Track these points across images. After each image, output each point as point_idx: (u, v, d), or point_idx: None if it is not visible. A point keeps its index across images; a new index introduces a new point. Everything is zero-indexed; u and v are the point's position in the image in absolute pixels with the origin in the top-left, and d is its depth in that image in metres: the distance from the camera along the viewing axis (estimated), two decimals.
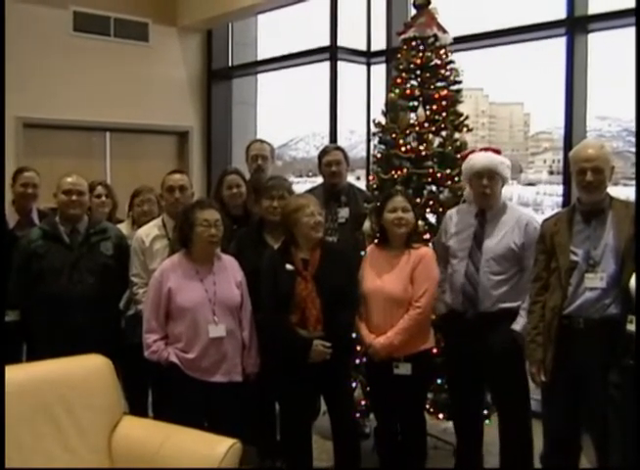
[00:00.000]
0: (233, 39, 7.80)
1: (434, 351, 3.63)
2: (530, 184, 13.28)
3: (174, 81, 7.44)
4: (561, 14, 4.90)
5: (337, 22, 6.18)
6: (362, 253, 3.79)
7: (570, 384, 3.10)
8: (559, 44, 4.90)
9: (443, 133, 4.15)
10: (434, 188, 4.13)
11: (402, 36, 4.29)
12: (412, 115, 4.20)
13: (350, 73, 6.32)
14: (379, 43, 6.17)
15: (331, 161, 4.37)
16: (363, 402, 4.10)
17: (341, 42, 6.17)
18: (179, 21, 7.36)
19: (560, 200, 5.00)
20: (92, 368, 3.03)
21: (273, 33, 7.96)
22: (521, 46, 5.51)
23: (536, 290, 3.26)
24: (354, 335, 3.61)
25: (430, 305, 3.47)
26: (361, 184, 4.94)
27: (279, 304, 3.39)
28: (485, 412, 3.83)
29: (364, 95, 6.24)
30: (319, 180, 4.60)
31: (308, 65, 6.86)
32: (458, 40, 4.55)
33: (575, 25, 4.83)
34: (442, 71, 4.18)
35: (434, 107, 4.14)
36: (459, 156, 4.01)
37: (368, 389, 3.94)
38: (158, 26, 7.26)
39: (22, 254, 3.69)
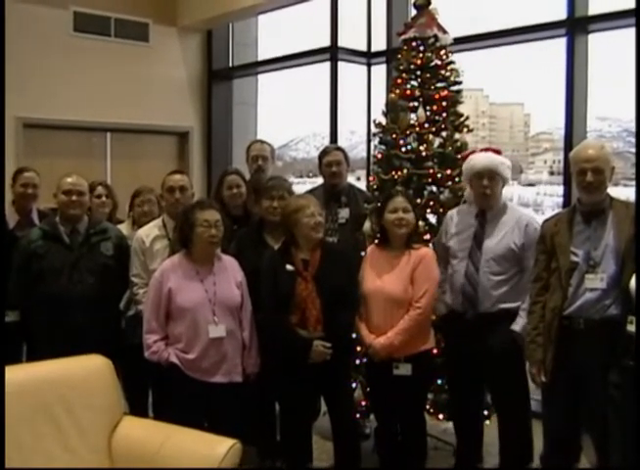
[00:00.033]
0: (233, 39, 7.80)
1: (435, 351, 3.63)
2: (530, 185, 13.27)
3: (174, 81, 7.44)
4: (561, 14, 4.90)
5: (337, 22, 6.18)
6: (362, 253, 3.79)
7: (570, 384, 3.10)
8: (559, 45, 4.91)
9: (444, 134, 4.15)
10: (434, 189, 4.13)
11: (402, 37, 4.29)
12: (412, 115, 4.20)
13: (351, 74, 6.32)
14: (379, 44, 6.17)
15: (331, 161, 4.37)
16: (363, 403, 4.10)
17: (341, 43, 6.16)
18: (179, 21, 7.36)
19: (560, 200, 5.00)
20: (92, 368, 3.03)
21: (273, 34, 7.96)
22: (521, 47, 5.51)
23: (537, 290, 3.26)
24: (354, 335, 3.61)
25: (430, 305, 3.47)
26: (361, 185, 4.94)
27: (279, 304, 3.39)
28: (485, 413, 3.83)
29: (364, 95, 6.24)
30: (319, 181, 4.60)
31: (309, 65, 6.86)
32: (458, 41, 4.55)
33: (576, 26, 4.83)
34: (443, 72, 4.18)
35: (435, 107, 4.15)
36: (459, 156, 4.01)
37: (368, 389, 3.94)
38: (158, 27, 7.26)
39: (23, 254, 3.69)
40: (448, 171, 4.05)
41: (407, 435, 3.59)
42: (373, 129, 4.36)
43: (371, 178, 4.35)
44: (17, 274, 3.69)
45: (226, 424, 3.13)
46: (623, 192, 4.09)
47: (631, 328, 2.79)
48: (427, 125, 4.13)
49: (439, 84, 4.17)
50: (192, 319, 3.26)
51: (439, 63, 4.19)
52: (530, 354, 3.25)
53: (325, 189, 4.43)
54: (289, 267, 3.42)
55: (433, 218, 4.14)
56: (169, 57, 7.40)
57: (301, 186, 6.64)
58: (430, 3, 4.23)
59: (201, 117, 7.66)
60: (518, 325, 3.42)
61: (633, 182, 4.43)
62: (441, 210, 4.02)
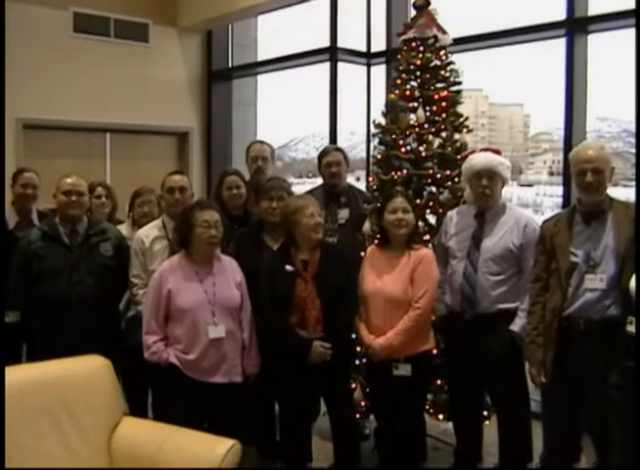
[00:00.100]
0: (233, 40, 7.80)
1: (434, 351, 3.63)
2: (529, 185, 13.29)
3: (174, 82, 7.44)
4: (561, 15, 4.90)
5: (337, 22, 6.18)
6: (362, 253, 3.79)
7: (570, 385, 3.10)
8: (559, 45, 4.91)
9: (443, 134, 4.15)
10: (434, 189, 4.13)
11: (402, 37, 4.29)
12: (412, 115, 4.20)
13: (350, 74, 6.32)
14: (379, 44, 6.17)
15: (331, 161, 4.37)
16: (363, 403, 4.09)
17: (340, 43, 6.16)
18: (179, 21, 7.36)
19: (560, 201, 5.00)
20: (92, 369, 3.03)
21: (273, 34, 7.96)
22: (521, 47, 5.51)
23: (536, 291, 3.27)
24: (354, 336, 3.61)
25: (429, 305, 3.47)
26: (361, 185, 4.94)
27: (279, 304, 3.40)
28: (485, 413, 3.83)
29: (364, 96, 6.23)
30: (319, 181, 4.60)
31: (308, 66, 6.86)
32: (458, 41, 4.55)
33: (575, 27, 4.83)
34: (442, 72, 4.18)
35: (434, 108, 4.14)
36: (459, 157, 4.02)
37: (368, 390, 3.94)
38: (158, 27, 7.25)
39: (22, 255, 3.68)
40: (448, 172, 4.05)
41: (407, 435, 3.58)
42: (372, 130, 4.35)
43: (370, 179, 4.35)
44: (16, 275, 3.68)
45: (226, 424, 3.13)
46: (623, 192, 4.09)
47: (631, 328, 2.79)
48: (426, 126, 4.13)
49: (439, 85, 4.17)
50: (191, 320, 3.26)
51: (439, 63, 4.19)
52: (530, 355, 3.25)
53: (324, 190, 4.43)
54: (288, 268, 3.42)
55: (432, 219, 4.14)
56: (169, 57, 7.40)
57: (301, 187, 6.65)
58: (429, 3, 4.23)
59: (200, 117, 7.66)
60: (517, 325, 3.42)
61: (633, 183, 4.44)
62: (441, 210, 4.02)
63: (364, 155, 6.14)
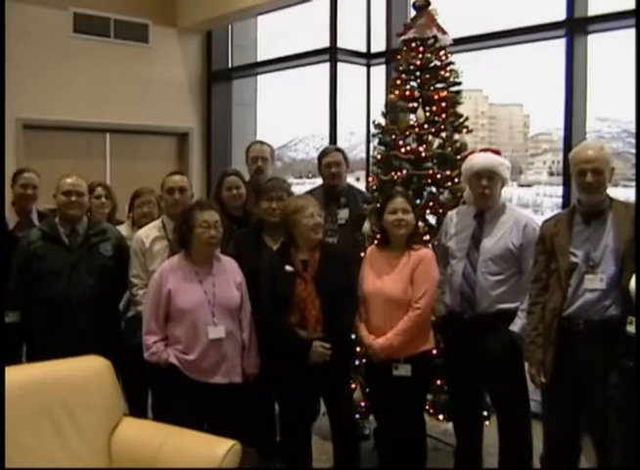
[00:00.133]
0: (233, 40, 7.81)
1: (434, 352, 3.63)
2: (529, 185, 13.29)
3: (174, 82, 7.44)
4: (560, 15, 4.90)
5: (336, 23, 6.19)
6: (362, 254, 3.79)
7: (569, 385, 3.10)
8: (558, 45, 4.91)
9: (443, 134, 4.15)
10: (433, 189, 4.13)
11: (402, 38, 4.29)
12: (412, 116, 4.19)
13: (350, 75, 6.33)
14: (378, 44, 6.17)
15: (330, 162, 4.37)
16: (363, 404, 4.09)
17: (340, 43, 6.17)
18: (179, 22, 7.36)
19: (559, 201, 5.00)
20: (92, 370, 3.03)
21: (273, 35, 7.96)
22: (520, 47, 5.52)
23: (536, 291, 3.26)
24: (354, 336, 3.61)
25: (429, 306, 3.47)
26: (361, 185, 4.94)
27: (278, 305, 3.40)
28: (485, 413, 3.83)
29: (364, 96, 6.24)
30: (319, 181, 4.60)
31: (308, 66, 6.86)
32: (458, 41, 4.55)
33: (575, 27, 4.83)
34: (442, 73, 4.17)
35: (434, 108, 4.14)
36: (459, 157, 4.02)
37: (368, 390, 3.94)
38: (158, 28, 7.26)
39: (22, 255, 3.68)
40: (448, 172, 4.05)
41: (407, 435, 3.58)
42: (372, 130, 4.35)
43: (370, 179, 4.35)
44: (16, 275, 3.68)
45: (226, 425, 3.13)
46: (623, 193, 4.09)
47: (631, 329, 2.79)
48: (426, 126, 4.13)
49: (439, 85, 4.17)
50: (191, 320, 3.26)
51: (439, 63, 4.19)
52: (530, 355, 3.25)
53: (324, 190, 4.43)
54: (288, 268, 3.42)
55: (432, 219, 4.14)
56: (169, 58, 7.41)
57: (301, 187, 6.64)
58: (429, 4, 4.23)
59: (200, 117, 7.67)
60: (516, 326, 3.42)
61: (633, 183, 4.44)
62: (441, 210, 4.02)
63: (364, 155, 6.14)
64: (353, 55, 6.27)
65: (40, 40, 6.51)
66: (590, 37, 4.90)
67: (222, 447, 2.74)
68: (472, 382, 3.60)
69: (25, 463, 2.66)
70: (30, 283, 3.65)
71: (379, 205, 3.75)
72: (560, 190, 4.99)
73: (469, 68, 4.31)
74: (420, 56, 4.19)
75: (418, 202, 3.94)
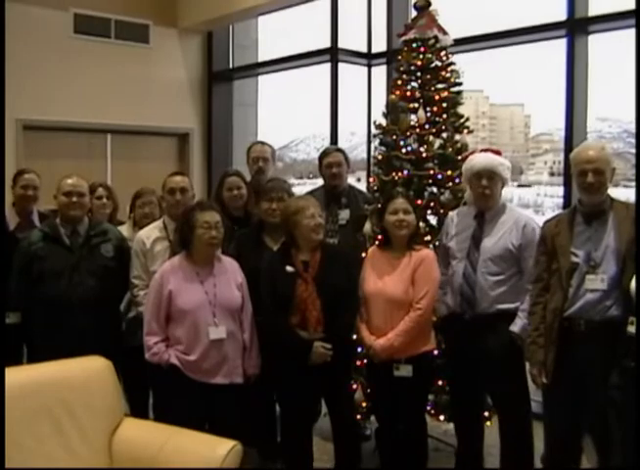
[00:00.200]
0: (234, 41, 7.81)
1: (435, 352, 3.62)
2: (530, 186, 13.28)
3: (175, 83, 7.45)
4: (561, 15, 4.90)
5: (337, 23, 6.19)
6: (363, 254, 3.79)
7: (570, 385, 3.10)
8: (559, 46, 4.91)
9: (444, 135, 4.15)
10: (434, 190, 4.12)
11: (403, 38, 4.28)
12: (412, 116, 4.19)
13: (351, 75, 6.33)
14: (379, 45, 6.17)
15: (331, 162, 4.37)
16: (364, 404, 4.09)
17: (341, 44, 6.17)
18: (180, 22, 7.36)
19: (560, 201, 5.00)
20: (93, 370, 3.03)
21: (274, 35, 7.96)
22: (521, 48, 5.52)
23: (537, 291, 3.26)
24: (355, 336, 3.61)
25: (430, 306, 3.47)
26: (362, 186, 4.94)
27: (279, 305, 3.40)
28: (486, 414, 3.83)
29: (365, 97, 6.24)
30: (320, 182, 4.60)
31: (309, 66, 6.87)
32: (459, 42, 4.55)
33: (576, 27, 4.83)
34: (443, 73, 4.17)
35: (435, 108, 4.14)
36: (460, 157, 4.02)
37: (369, 390, 3.94)
38: (158, 28, 7.26)
39: (23, 256, 3.68)
40: (449, 173, 4.04)
41: (408, 436, 3.58)
42: (373, 130, 4.35)
43: (371, 179, 4.34)
44: (17, 276, 3.68)
45: (226, 425, 3.13)
46: (623, 193, 4.09)
47: (632, 329, 2.79)
48: (427, 126, 4.13)
49: (440, 85, 4.16)
50: (192, 321, 3.26)
51: (440, 64, 4.19)
52: (531, 356, 3.25)
53: (325, 190, 4.43)
54: (289, 269, 3.42)
55: (433, 220, 4.14)
56: (170, 58, 7.41)
57: (302, 187, 6.64)
58: (430, 4, 4.22)
59: (201, 118, 7.67)
60: (516, 326, 3.42)
61: (633, 183, 4.44)
62: (442, 211, 4.02)
63: (365, 155, 6.14)
64: (354, 55, 6.28)
65: (41, 41, 6.52)
66: (591, 37, 4.90)
67: (223, 448, 2.74)
68: (472, 382, 3.60)
69: (26, 463, 2.66)
70: (31, 284, 3.65)
71: (380, 205, 3.76)
72: (561, 190, 4.99)
73: (470, 68, 4.30)
74: (421, 56, 4.19)
75: (419, 202, 3.94)
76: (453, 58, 4.23)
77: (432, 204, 4.06)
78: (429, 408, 3.97)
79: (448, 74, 4.17)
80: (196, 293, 3.30)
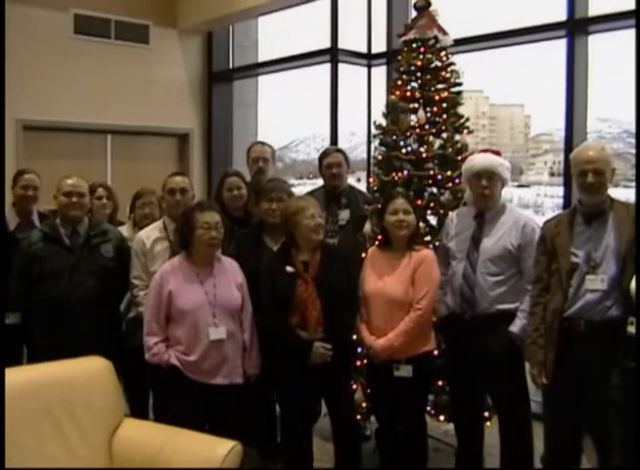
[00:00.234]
0: (234, 41, 7.81)
1: (435, 353, 3.62)
2: (530, 186, 13.28)
3: (175, 83, 7.45)
4: (561, 16, 4.90)
5: (337, 24, 6.19)
6: (363, 254, 3.79)
7: (571, 386, 3.10)
8: (559, 46, 4.91)
9: (444, 135, 4.15)
10: (434, 190, 4.12)
11: (403, 38, 4.28)
12: (412, 116, 4.19)
13: (351, 75, 6.33)
14: (379, 45, 6.17)
15: (331, 163, 4.37)
16: (364, 404, 4.09)
17: (341, 44, 6.17)
18: (180, 23, 7.36)
19: (560, 201, 5.00)
20: (93, 370, 3.03)
21: (274, 35, 7.96)
22: (521, 48, 5.51)
23: (537, 291, 3.26)
24: (355, 337, 3.61)
25: (430, 306, 3.47)
26: (362, 186, 4.94)
27: (279, 305, 3.40)
28: (486, 414, 3.83)
29: (365, 97, 6.24)
30: (320, 182, 4.61)
31: (309, 67, 6.86)
32: (459, 42, 4.55)
33: (576, 27, 4.83)
34: (443, 73, 4.17)
35: (435, 109, 4.14)
36: (460, 158, 4.02)
37: (369, 391, 3.94)
38: (158, 29, 7.26)
39: (23, 256, 3.68)
40: (449, 173, 4.05)
41: (408, 436, 3.58)
42: (373, 131, 4.35)
43: (371, 180, 4.34)
44: (17, 276, 3.68)
45: (227, 426, 3.13)
46: (624, 193, 4.09)
47: (632, 329, 2.79)
48: (427, 127, 4.13)
49: (440, 86, 4.16)
50: (192, 322, 3.26)
51: (440, 64, 4.19)
52: (531, 356, 3.25)
53: (325, 191, 4.43)
54: (289, 269, 3.42)
55: (433, 220, 4.14)
56: (170, 59, 7.41)
57: (302, 188, 6.64)
58: (430, 4, 4.23)
59: (201, 118, 7.67)
60: (516, 326, 3.42)
61: (633, 183, 4.44)
62: (442, 211, 4.02)
63: (365, 156, 6.14)
64: (354, 56, 6.27)
65: (41, 41, 6.52)
66: (591, 38, 4.90)
67: (223, 448, 2.74)
68: (472, 383, 3.60)
69: (26, 463, 2.66)
70: (31, 284, 3.65)
71: (380, 205, 3.76)
72: (561, 191, 4.98)
73: (470, 68, 4.30)
74: (421, 56, 4.19)
75: (419, 202, 3.94)
76: (453, 58, 4.23)
77: (431, 204, 4.06)
78: (429, 409, 3.97)
79: (448, 75, 4.17)
80: (196, 293, 3.30)
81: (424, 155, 4.08)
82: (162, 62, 7.34)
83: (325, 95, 6.23)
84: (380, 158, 4.24)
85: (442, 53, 4.20)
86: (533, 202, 12.38)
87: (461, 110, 4.20)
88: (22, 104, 6.30)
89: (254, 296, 3.47)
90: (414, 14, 4.34)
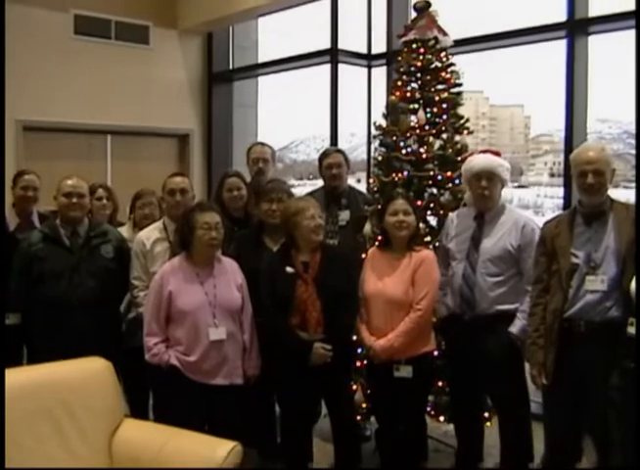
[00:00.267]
0: (234, 42, 7.81)
1: (435, 353, 3.62)
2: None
3: (175, 84, 7.45)
4: (561, 16, 4.90)
5: (337, 24, 6.19)
6: (363, 255, 3.79)
7: (571, 386, 3.10)
8: (559, 46, 4.91)
9: (444, 136, 4.15)
10: (434, 191, 4.12)
11: (403, 39, 4.29)
12: (412, 117, 4.19)
13: (351, 76, 6.33)
14: (379, 46, 6.17)
15: (331, 163, 4.37)
16: (364, 405, 4.09)
17: (341, 45, 6.17)
18: (180, 23, 7.36)
19: (560, 202, 5.00)
20: (93, 371, 3.03)
21: (274, 36, 7.97)
22: (521, 48, 5.51)
23: (537, 292, 3.26)
24: (355, 337, 3.61)
25: (430, 307, 3.47)
26: (362, 187, 4.94)
27: (279, 306, 3.40)
28: (486, 415, 3.83)
29: (365, 98, 6.24)
30: (320, 183, 4.60)
31: (309, 67, 6.86)
32: (459, 43, 4.55)
33: (576, 28, 4.83)
34: (443, 74, 4.17)
35: (435, 109, 4.15)
36: (460, 158, 4.02)
37: (369, 391, 3.94)
38: (158, 29, 7.26)
39: (23, 257, 3.68)
40: (449, 173, 4.05)
41: (408, 437, 3.58)
42: (373, 131, 4.35)
43: (371, 180, 4.35)
44: (17, 277, 3.68)
45: (227, 426, 3.13)
46: (623, 194, 4.09)
47: (632, 330, 2.79)
48: (427, 127, 4.13)
49: (440, 86, 4.17)
50: (192, 322, 3.26)
51: (440, 65, 4.19)
52: (531, 356, 3.25)
53: (325, 191, 4.43)
54: (289, 269, 3.42)
55: (433, 220, 4.14)
56: (170, 59, 7.41)
57: (302, 188, 6.64)
58: (430, 5, 4.23)
59: (201, 119, 7.67)
60: (515, 327, 3.43)
61: (633, 184, 4.43)
62: (442, 212, 4.02)
63: (365, 156, 6.14)
64: (354, 56, 6.27)
65: (41, 42, 6.52)
66: (591, 38, 4.90)
67: (223, 449, 2.74)
68: (472, 383, 3.60)
69: (26, 464, 2.66)
70: (31, 285, 3.65)
71: (380, 206, 3.76)
72: (561, 191, 4.98)
73: (469, 69, 4.31)
74: (421, 57, 4.19)
75: (419, 203, 3.94)
76: (453, 59, 4.23)
77: (431, 205, 4.06)
78: (429, 409, 3.97)
79: (448, 75, 4.17)
80: (196, 294, 3.30)
81: (424, 155, 4.08)
82: (162, 62, 7.34)
83: (325, 96, 6.23)
84: (380, 158, 4.24)
85: (442, 54, 4.20)
86: (533, 202, 12.39)
87: (461, 110, 4.20)
88: (23, 104, 6.30)
89: (254, 296, 3.47)
90: (414, 14, 4.34)
